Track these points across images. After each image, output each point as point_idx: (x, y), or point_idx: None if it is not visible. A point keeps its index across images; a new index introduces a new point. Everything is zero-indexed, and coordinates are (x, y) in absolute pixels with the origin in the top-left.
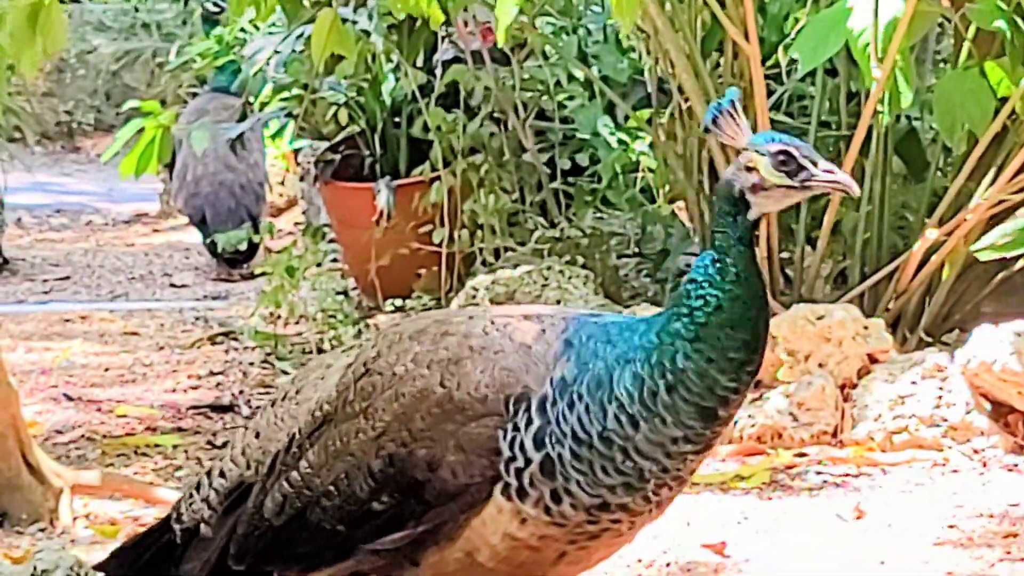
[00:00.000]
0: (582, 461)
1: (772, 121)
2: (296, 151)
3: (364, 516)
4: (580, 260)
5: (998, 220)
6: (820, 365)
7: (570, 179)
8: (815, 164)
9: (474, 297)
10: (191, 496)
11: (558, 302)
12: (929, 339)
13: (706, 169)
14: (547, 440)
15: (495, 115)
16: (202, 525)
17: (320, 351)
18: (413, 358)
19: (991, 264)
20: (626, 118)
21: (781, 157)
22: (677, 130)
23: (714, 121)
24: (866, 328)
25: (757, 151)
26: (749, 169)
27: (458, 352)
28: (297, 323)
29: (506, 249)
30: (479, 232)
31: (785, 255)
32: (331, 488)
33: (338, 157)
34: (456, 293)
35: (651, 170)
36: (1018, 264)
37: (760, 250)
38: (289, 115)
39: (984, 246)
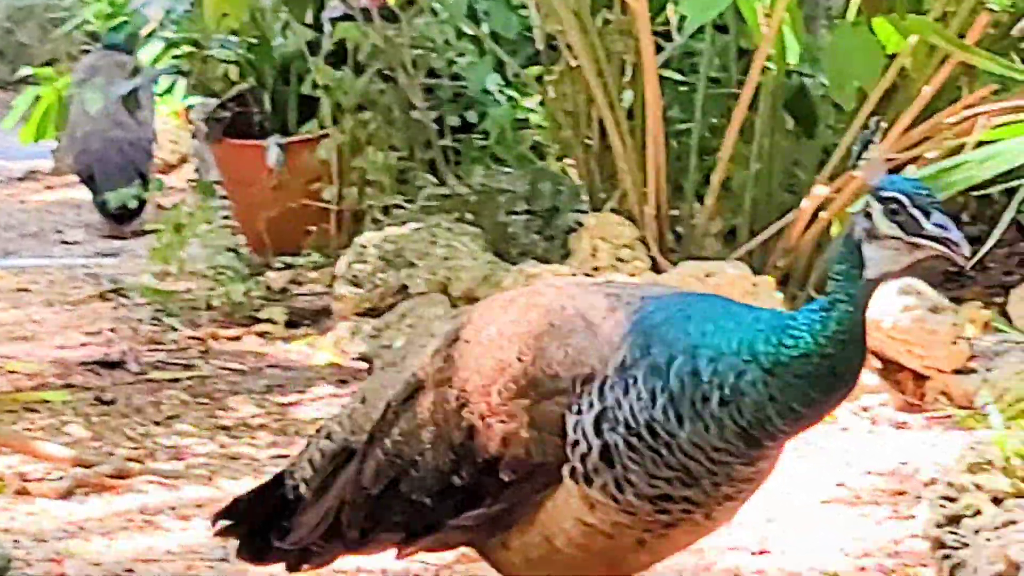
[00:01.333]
0: (634, 451)
1: (662, 79)
2: (188, 108)
3: (446, 491)
4: (469, 217)
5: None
6: None
7: (459, 136)
8: (928, 216)
9: (362, 255)
10: (302, 454)
11: (446, 259)
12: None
13: (595, 127)
14: (604, 426)
15: (384, 72)
16: (302, 485)
17: (210, 307)
18: (498, 329)
19: None
20: (516, 75)
21: (892, 205)
22: (566, 87)
23: (859, 155)
24: (755, 285)
25: (874, 195)
26: (867, 214)
27: (538, 327)
28: (187, 280)
29: (395, 206)
30: (368, 189)
31: (675, 212)
32: (418, 458)
33: (228, 114)
34: (346, 250)
35: (541, 127)
36: None
37: (649, 207)
38: (179, 72)
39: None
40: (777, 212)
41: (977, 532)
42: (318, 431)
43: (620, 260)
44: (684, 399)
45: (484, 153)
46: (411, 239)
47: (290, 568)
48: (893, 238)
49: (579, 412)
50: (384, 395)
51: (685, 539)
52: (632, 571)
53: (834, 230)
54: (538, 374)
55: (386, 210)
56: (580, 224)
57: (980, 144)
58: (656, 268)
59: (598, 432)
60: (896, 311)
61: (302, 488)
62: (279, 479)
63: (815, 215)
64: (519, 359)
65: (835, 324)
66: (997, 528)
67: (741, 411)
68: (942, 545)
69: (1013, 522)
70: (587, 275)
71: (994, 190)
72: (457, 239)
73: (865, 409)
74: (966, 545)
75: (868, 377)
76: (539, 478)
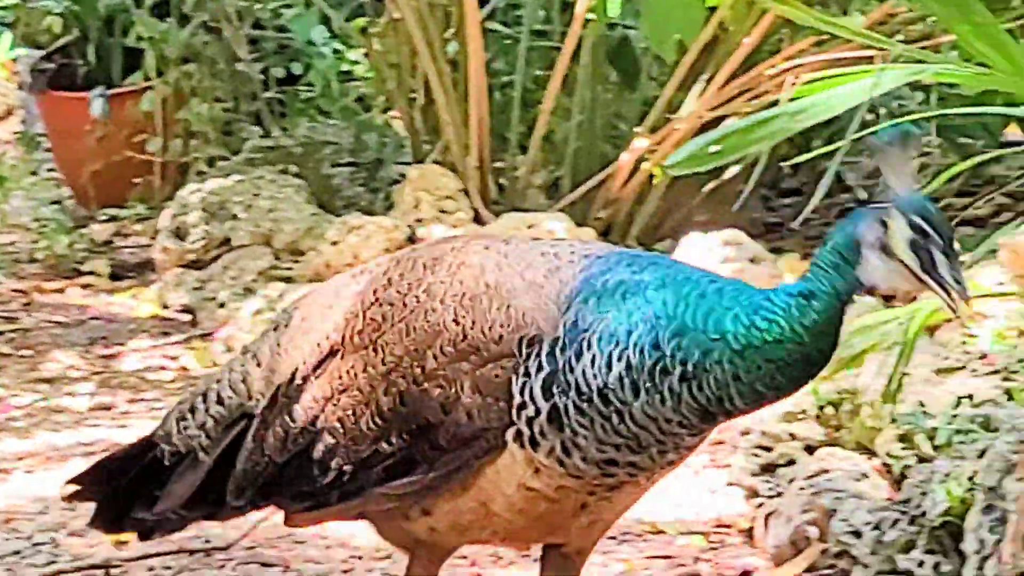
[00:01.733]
0: (584, 416)
1: (486, 31)
2: (14, 60)
3: (371, 457)
4: (294, 169)
5: (708, 128)
6: None
7: (284, 88)
8: (946, 257)
9: (185, 207)
10: (184, 419)
11: (270, 211)
12: (641, 247)
13: (420, 79)
14: (554, 389)
15: (209, 24)
16: (199, 452)
17: (33, 260)
18: (426, 289)
19: (701, 173)
20: (341, 27)
21: (917, 235)
22: (390, 40)
23: (888, 143)
24: (578, 236)
25: (901, 211)
26: (883, 223)
27: (473, 288)
28: (11, 232)
29: (220, 158)
30: (193, 141)
31: (498, 164)
32: (336, 425)
33: (53, 66)
34: (170, 202)
35: (366, 79)
36: (728, 173)
37: (471, 159)
38: (5, 24)
39: (675, 162)
40: (599, 164)
41: (791, 481)
42: (204, 396)
43: (443, 212)
44: (643, 370)
45: (309, 105)
46: (235, 191)
47: (142, 537)
48: (905, 265)
49: (526, 375)
50: (289, 359)
51: (624, 502)
52: (569, 533)
53: (655, 180)
54: (479, 337)
55: (211, 162)
56: (404, 176)
57: (795, 99)
58: (479, 219)
59: (547, 395)
60: (716, 261)
61: (200, 456)
62: (148, 444)
63: (636, 166)
64: (455, 322)
65: (814, 315)
66: (810, 477)
67: (702, 388)
68: (756, 494)
69: (825, 471)
70: (411, 223)
71: (817, 153)
72: (281, 191)
73: None
74: (780, 494)
75: None
76: (481, 443)
